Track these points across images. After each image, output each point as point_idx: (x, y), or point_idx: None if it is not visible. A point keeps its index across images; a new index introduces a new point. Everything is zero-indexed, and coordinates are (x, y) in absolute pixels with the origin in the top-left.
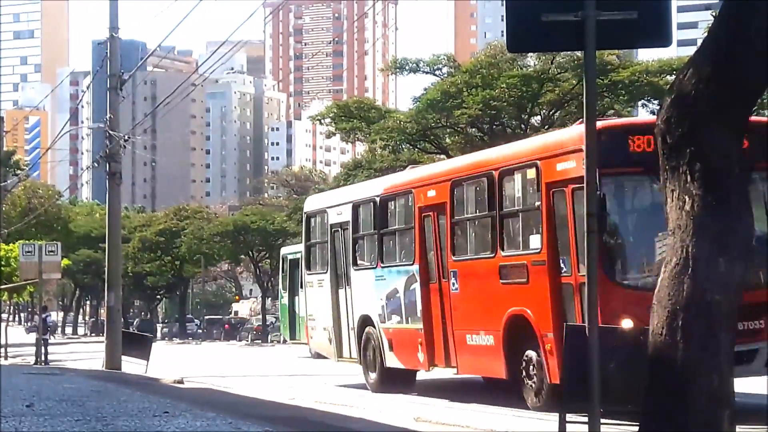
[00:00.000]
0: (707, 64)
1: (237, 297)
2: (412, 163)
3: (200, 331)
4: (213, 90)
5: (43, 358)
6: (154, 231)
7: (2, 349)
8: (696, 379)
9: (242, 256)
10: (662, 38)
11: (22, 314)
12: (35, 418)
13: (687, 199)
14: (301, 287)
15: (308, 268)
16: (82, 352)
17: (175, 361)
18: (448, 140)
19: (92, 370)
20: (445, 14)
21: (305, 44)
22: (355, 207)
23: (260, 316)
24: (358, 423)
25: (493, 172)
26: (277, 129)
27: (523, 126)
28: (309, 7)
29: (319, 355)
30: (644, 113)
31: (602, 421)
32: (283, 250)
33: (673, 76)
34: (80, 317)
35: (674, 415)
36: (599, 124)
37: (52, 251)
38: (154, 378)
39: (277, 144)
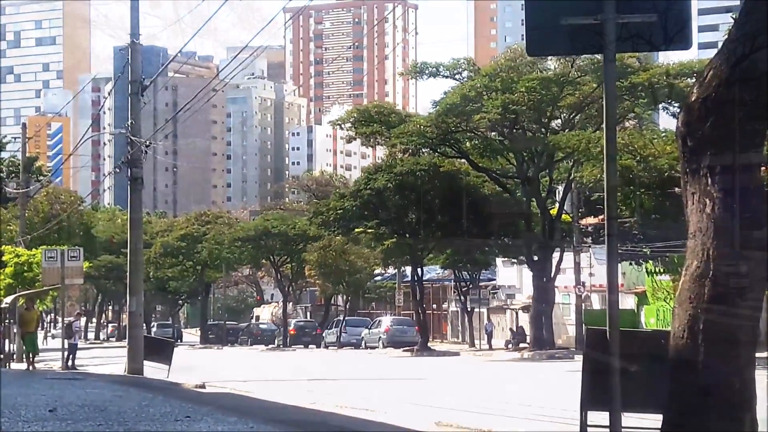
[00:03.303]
0: (727, 66)
1: (258, 297)
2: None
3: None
4: (234, 95)
5: (70, 363)
6: (176, 236)
7: (25, 355)
8: (717, 383)
9: (263, 261)
10: (682, 41)
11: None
12: (57, 422)
13: (708, 201)
14: None
15: None
16: (105, 357)
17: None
18: (468, 144)
19: (114, 374)
20: (464, 18)
21: (325, 49)
22: None
23: (267, 322)
24: (379, 427)
25: None
26: (298, 134)
27: (543, 130)
28: (329, 12)
29: None
30: (665, 116)
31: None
32: None
33: (693, 79)
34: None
35: (696, 418)
36: None
37: (74, 257)
38: (175, 382)
39: (298, 149)
